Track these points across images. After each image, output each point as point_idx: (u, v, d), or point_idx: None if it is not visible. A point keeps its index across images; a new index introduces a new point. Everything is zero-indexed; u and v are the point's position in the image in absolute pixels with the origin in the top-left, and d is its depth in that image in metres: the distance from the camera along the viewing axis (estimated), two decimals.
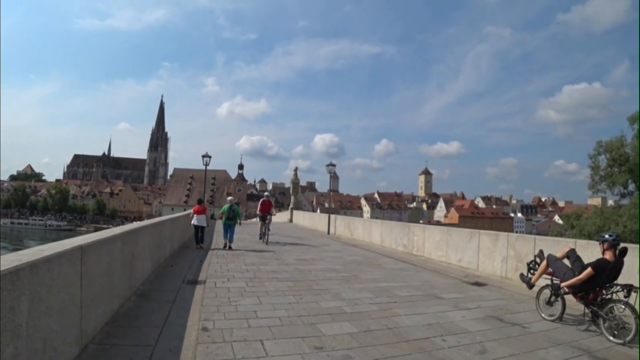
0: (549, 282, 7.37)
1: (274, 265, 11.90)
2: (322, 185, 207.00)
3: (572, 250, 7.24)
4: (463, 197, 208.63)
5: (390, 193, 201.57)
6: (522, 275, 8.11)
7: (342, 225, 24.39)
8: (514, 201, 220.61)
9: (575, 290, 6.74)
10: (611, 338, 6.02)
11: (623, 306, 6.07)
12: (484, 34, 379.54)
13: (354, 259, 14.20)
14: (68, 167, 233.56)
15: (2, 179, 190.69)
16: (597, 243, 7.03)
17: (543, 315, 7.24)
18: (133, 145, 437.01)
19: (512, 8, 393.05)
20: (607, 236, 6.74)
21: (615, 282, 6.45)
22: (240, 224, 16.57)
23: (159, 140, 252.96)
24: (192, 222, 15.85)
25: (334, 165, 25.57)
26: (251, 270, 10.67)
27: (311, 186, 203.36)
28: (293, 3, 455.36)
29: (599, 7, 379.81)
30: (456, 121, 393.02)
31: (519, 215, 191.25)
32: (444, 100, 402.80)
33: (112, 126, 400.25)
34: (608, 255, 6.59)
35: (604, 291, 6.49)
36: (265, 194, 19.92)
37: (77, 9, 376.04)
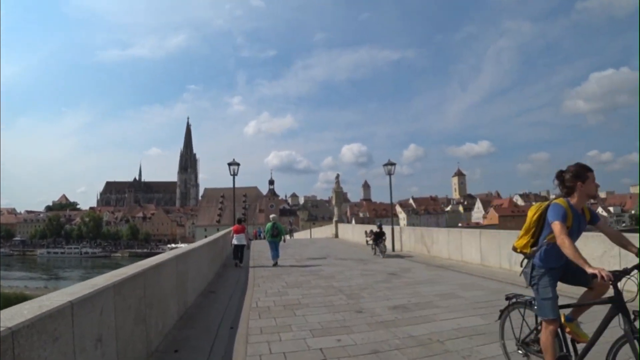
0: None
1: (363, 328, 6.56)
2: (354, 196, 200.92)
3: (377, 227, 19.06)
4: (499, 196, 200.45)
5: (426, 198, 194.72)
6: (367, 242, 21.50)
7: (413, 238, 19.03)
8: (552, 196, 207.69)
9: (374, 242, 18.53)
10: (381, 255, 17.45)
11: (384, 245, 17.89)
12: (502, 29, 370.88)
13: (475, 295, 8.90)
14: (101, 194, 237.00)
15: (38, 210, 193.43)
16: None
17: (372, 253, 18.68)
18: (164, 169, 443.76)
19: (529, 0, 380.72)
20: (378, 224, 19.48)
21: (383, 237, 18.19)
22: (284, 241, 16.99)
23: (188, 162, 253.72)
24: (232, 242, 16.10)
25: (393, 164, 20.32)
26: (330, 353, 5.43)
27: (343, 197, 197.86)
28: (309, 16, 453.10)
29: None
30: (483, 120, 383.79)
31: None
32: (468, 100, 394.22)
33: (143, 151, 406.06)
34: (378, 229, 18.57)
35: (378, 241, 18.19)
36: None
37: (99, 41, 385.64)
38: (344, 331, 6.40)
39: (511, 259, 12.13)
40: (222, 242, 18.02)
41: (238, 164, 18.31)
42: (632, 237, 6.83)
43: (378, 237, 18.22)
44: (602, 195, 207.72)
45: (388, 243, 20.08)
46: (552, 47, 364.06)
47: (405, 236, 19.81)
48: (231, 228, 16.64)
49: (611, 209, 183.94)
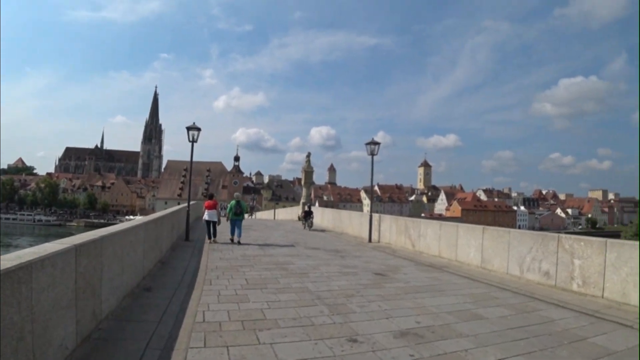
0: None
1: None
2: (318, 178, 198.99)
3: (307, 207, 26.53)
4: (462, 190, 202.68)
5: (391, 185, 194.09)
6: (299, 218, 29.76)
7: (394, 229, 16.71)
8: (514, 194, 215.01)
9: (304, 219, 24.87)
10: (307, 229, 23.74)
11: (311, 222, 24.32)
12: (481, 26, 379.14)
13: (501, 316, 6.66)
14: (60, 160, 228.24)
15: None
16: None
17: (303, 228, 24.49)
18: (128, 138, 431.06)
19: (510, 0, 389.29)
20: (308, 205, 28.55)
21: (310, 216, 24.47)
22: (243, 218, 16.58)
23: (152, 132, 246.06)
24: (203, 218, 16.09)
25: (377, 144, 17.94)
26: None
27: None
28: None
29: (597, 2, 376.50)
30: (453, 114, 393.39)
31: (522, 208, 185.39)
32: (440, 93, 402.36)
33: (107, 118, 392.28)
34: (308, 209, 25.66)
35: (307, 218, 24.46)
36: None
37: (69, 0, 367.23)
38: None
39: (523, 264, 9.99)
40: (176, 218, 15.47)
41: (198, 129, 15.40)
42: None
43: (307, 215, 24.77)
44: (562, 197, 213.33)
45: (365, 232, 18.61)
46: (526, 49, 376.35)
47: (385, 225, 17.51)
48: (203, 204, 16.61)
49: (569, 211, 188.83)
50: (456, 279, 9.87)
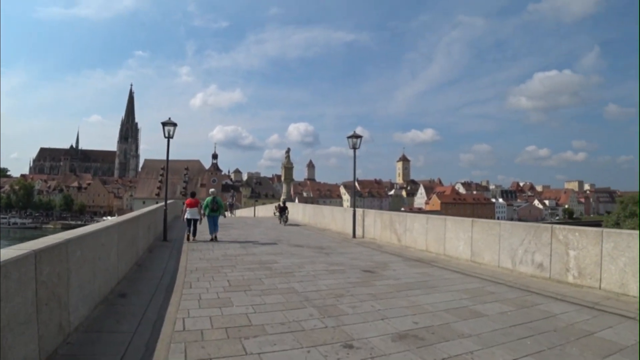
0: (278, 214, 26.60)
1: None
2: (297, 175, 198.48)
3: (282, 203, 26.88)
4: (441, 184, 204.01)
5: (370, 180, 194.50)
6: (274, 213, 30.79)
7: (379, 224, 16.34)
8: (491, 186, 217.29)
9: (280, 214, 25.81)
10: (282, 223, 24.54)
11: (286, 217, 25.12)
12: (456, 21, 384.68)
13: (500, 312, 6.33)
14: (34, 161, 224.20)
15: None
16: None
17: (279, 222, 25.25)
18: (104, 137, 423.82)
19: None
20: (283, 199, 29.88)
21: (286, 211, 25.31)
22: (224, 216, 17.75)
23: (129, 131, 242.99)
24: (184, 216, 15.76)
25: (359, 137, 17.54)
26: None
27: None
28: None
29: None
30: (430, 108, 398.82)
31: (500, 200, 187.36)
32: (417, 88, 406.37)
33: (82, 118, 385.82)
34: (282, 204, 26.27)
35: (282, 213, 25.33)
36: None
37: None
38: None
39: (515, 257, 9.69)
40: (153, 217, 14.84)
41: (174, 124, 14.75)
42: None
43: (282, 210, 25.61)
44: (539, 188, 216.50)
45: (348, 227, 18.21)
46: (501, 44, 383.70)
47: (369, 220, 17.12)
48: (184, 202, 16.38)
49: (547, 202, 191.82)
50: (447, 274, 9.54)
